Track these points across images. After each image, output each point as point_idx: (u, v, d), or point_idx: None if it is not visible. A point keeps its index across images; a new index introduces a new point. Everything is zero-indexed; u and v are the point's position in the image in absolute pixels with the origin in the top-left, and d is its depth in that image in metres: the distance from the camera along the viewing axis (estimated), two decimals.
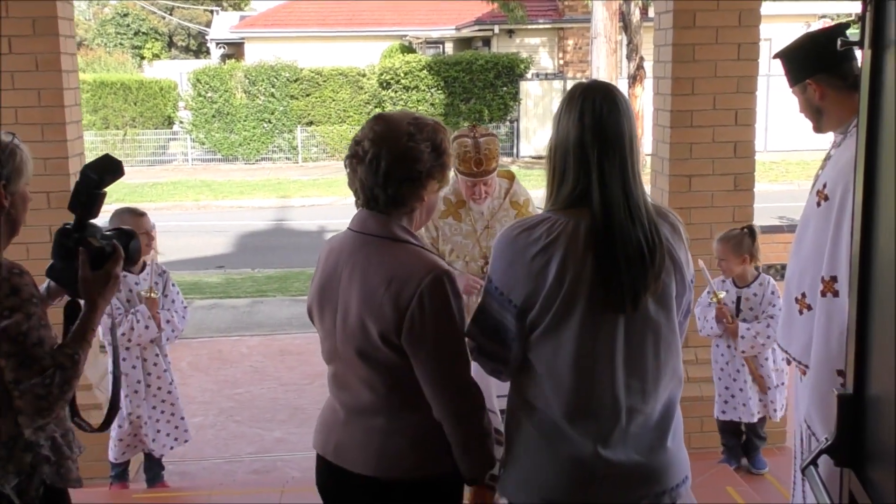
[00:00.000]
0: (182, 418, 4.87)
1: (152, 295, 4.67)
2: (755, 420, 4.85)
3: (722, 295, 4.74)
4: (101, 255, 2.50)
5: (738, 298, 4.77)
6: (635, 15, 19.62)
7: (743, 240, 4.73)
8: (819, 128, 3.26)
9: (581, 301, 2.21)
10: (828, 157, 3.26)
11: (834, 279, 2.98)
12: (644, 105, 18.80)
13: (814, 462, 2.07)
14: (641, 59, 19.72)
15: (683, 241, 2.37)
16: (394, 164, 2.36)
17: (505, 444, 2.43)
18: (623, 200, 2.23)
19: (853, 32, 2.45)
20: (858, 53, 2.00)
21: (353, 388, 2.46)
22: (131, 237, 2.67)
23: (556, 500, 2.29)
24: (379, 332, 2.32)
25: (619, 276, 2.20)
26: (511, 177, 4.77)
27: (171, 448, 4.88)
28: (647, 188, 2.37)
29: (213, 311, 9.16)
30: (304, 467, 5.13)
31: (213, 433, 5.79)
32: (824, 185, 3.09)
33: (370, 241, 2.41)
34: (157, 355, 4.74)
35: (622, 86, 20.01)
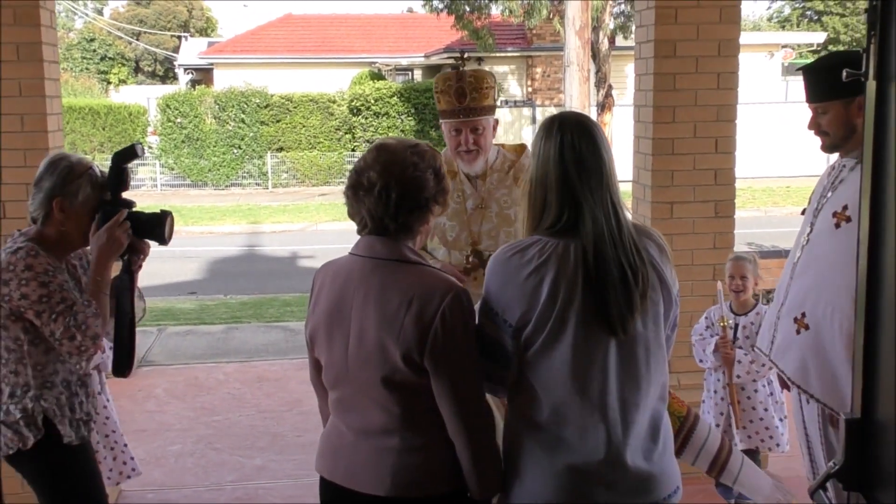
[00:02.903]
0: (124, 447, 4.58)
1: None
2: (742, 447, 4.76)
3: (729, 321, 4.63)
4: (108, 217, 2.97)
5: (736, 326, 4.67)
6: (604, 44, 19.84)
7: (756, 262, 4.70)
8: (835, 146, 3.28)
9: (573, 320, 2.30)
10: (837, 180, 3.29)
11: None
12: (612, 132, 18.99)
13: (822, 486, 2.10)
14: (610, 87, 19.93)
15: (669, 259, 2.48)
16: (403, 194, 2.43)
17: (505, 462, 2.47)
18: (609, 231, 2.33)
19: None
20: None
21: (364, 409, 2.46)
22: (166, 216, 3.06)
23: None
24: (401, 352, 2.35)
25: (607, 306, 2.30)
26: (521, 150, 3.95)
27: (117, 483, 4.64)
28: (628, 215, 2.47)
29: (187, 337, 9.06)
30: (286, 495, 5.09)
31: (192, 461, 5.73)
32: (844, 207, 3.14)
33: (382, 264, 2.44)
34: (100, 383, 4.49)
35: (592, 113, 20.22)
